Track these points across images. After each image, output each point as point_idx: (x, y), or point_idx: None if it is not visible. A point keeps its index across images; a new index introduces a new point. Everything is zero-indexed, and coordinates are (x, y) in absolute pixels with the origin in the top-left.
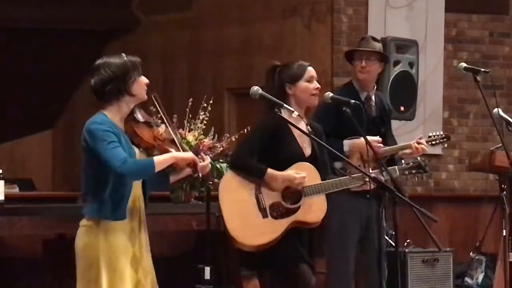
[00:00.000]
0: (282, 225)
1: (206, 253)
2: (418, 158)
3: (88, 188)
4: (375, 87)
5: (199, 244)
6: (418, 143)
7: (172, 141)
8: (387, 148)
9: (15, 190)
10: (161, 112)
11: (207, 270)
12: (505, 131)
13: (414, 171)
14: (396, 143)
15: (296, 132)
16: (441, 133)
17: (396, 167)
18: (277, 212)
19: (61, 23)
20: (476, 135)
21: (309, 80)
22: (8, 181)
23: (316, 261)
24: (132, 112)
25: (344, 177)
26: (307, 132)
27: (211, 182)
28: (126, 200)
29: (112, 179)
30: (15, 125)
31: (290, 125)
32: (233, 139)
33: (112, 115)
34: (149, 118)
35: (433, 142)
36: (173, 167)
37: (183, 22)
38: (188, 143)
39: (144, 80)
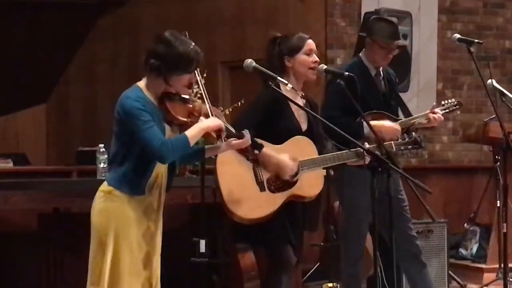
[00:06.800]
0: (279, 198)
1: (201, 227)
2: (414, 133)
3: (113, 157)
4: None
5: (194, 218)
6: (434, 112)
7: (207, 116)
8: (402, 120)
9: (10, 164)
10: (201, 87)
11: (202, 243)
12: (499, 102)
13: (410, 147)
14: (409, 112)
15: (293, 106)
16: (453, 100)
17: (392, 142)
18: (275, 185)
19: None
20: (470, 106)
21: (308, 53)
22: (2, 156)
23: (307, 235)
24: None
25: (341, 152)
26: (302, 106)
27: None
28: (147, 178)
29: (137, 155)
30: (8, 100)
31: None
32: (227, 112)
33: (148, 91)
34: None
35: (447, 110)
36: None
37: None
38: None
39: (187, 79)
